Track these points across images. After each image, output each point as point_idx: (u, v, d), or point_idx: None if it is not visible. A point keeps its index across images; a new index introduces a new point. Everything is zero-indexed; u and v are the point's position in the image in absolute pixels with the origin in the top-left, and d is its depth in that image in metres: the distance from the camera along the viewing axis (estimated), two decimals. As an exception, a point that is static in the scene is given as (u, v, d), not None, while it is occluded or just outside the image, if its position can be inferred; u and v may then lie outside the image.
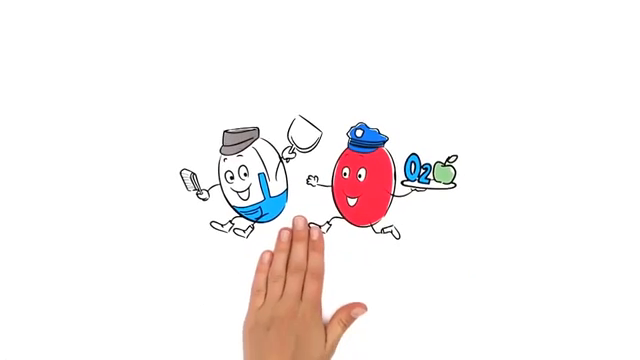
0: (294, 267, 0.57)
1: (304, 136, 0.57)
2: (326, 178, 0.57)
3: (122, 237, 0.58)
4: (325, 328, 0.56)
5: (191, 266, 0.58)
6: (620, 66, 0.55)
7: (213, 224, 0.58)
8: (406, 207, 0.57)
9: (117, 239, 0.58)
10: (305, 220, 0.57)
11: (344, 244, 0.58)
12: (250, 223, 0.58)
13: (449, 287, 0.57)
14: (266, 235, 0.58)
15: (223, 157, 0.57)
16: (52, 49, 0.58)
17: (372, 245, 0.57)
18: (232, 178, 0.57)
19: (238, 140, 0.57)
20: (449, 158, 0.56)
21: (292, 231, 0.58)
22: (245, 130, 0.57)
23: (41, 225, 0.59)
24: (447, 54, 0.56)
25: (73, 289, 0.59)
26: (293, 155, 0.57)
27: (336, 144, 0.57)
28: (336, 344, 0.56)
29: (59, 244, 0.59)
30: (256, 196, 0.58)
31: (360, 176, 0.57)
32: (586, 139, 0.55)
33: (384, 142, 0.57)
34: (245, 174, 0.57)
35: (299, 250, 0.57)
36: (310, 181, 0.58)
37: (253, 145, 0.57)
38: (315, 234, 0.57)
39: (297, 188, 0.58)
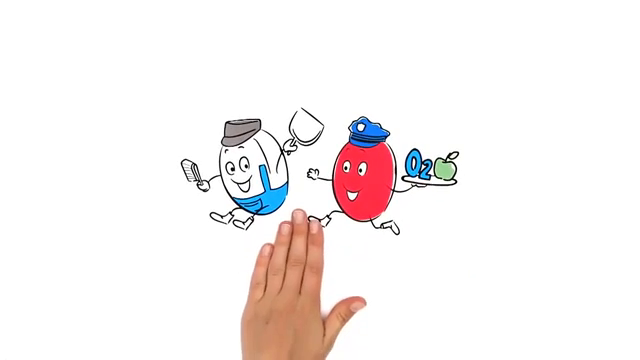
0: (294, 260, 0.57)
1: (306, 129, 0.57)
2: (327, 172, 0.57)
3: (122, 227, 0.58)
4: (324, 322, 0.56)
5: (190, 257, 0.58)
6: (620, 62, 0.55)
7: (213, 215, 0.58)
8: (406, 203, 0.57)
9: (117, 229, 0.58)
10: (304, 214, 0.57)
11: (343, 238, 0.58)
12: (250, 215, 0.58)
13: (448, 283, 0.57)
14: (265, 227, 0.58)
15: (224, 148, 0.57)
16: (53, 42, 0.58)
17: (371, 240, 0.57)
18: (233, 169, 0.57)
19: (240, 132, 0.57)
20: (450, 154, 0.56)
21: (293, 224, 0.58)
22: (247, 122, 0.57)
23: (40, 217, 0.58)
24: (450, 51, 0.56)
25: (72, 279, 0.59)
26: (294, 148, 0.57)
27: (337, 138, 0.57)
28: (334, 338, 0.56)
29: (58, 235, 0.58)
30: (256, 188, 0.58)
31: (361, 170, 0.57)
32: (587, 137, 0.55)
33: (385, 137, 0.57)
34: (246, 166, 0.57)
35: (299, 244, 0.57)
36: (311, 174, 0.58)
37: (255, 137, 0.57)
38: (314, 228, 0.57)
39: (298, 181, 0.58)
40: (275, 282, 0.56)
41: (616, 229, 0.56)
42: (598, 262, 0.56)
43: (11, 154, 0.58)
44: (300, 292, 0.56)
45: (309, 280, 0.56)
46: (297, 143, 0.57)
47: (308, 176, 0.58)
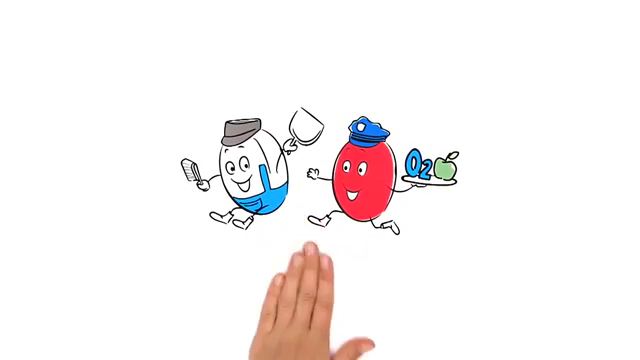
0: (305, 294, 0.56)
1: (306, 129, 0.57)
2: (327, 171, 0.57)
3: (122, 226, 0.58)
4: (331, 359, 0.56)
5: (190, 257, 0.58)
6: (620, 62, 0.55)
7: (213, 215, 0.58)
8: (406, 202, 0.57)
9: (117, 228, 0.58)
10: (316, 247, 0.57)
11: (343, 238, 0.58)
12: (250, 215, 0.58)
13: (448, 283, 0.57)
14: (265, 227, 0.58)
15: (224, 148, 0.57)
16: (53, 42, 0.58)
17: (371, 240, 0.57)
18: (233, 169, 0.57)
19: (240, 131, 0.57)
20: (450, 154, 0.56)
21: (304, 257, 0.57)
22: (247, 121, 0.57)
23: (40, 217, 0.59)
24: (450, 51, 0.56)
25: (72, 279, 0.59)
26: (294, 147, 0.57)
27: (337, 138, 0.57)
28: None
29: (58, 235, 0.59)
30: (256, 188, 0.58)
31: (361, 170, 0.57)
32: (587, 137, 0.55)
33: (385, 137, 0.57)
34: (246, 165, 0.57)
35: (310, 278, 0.57)
36: (311, 174, 0.58)
37: (255, 137, 0.57)
38: (325, 263, 0.57)
39: (297, 181, 0.58)
40: (285, 314, 0.56)
41: (616, 229, 0.56)
42: (598, 262, 0.56)
43: (11, 154, 0.59)
44: (310, 327, 0.56)
45: (319, 315, 0.56)
46: (297, 143, 0.57)
47: (308, 176, 0.58)
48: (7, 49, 0.58)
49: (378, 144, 0.57)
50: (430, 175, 0.56)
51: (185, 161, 0.57)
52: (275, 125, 0.57)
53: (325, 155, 0.57)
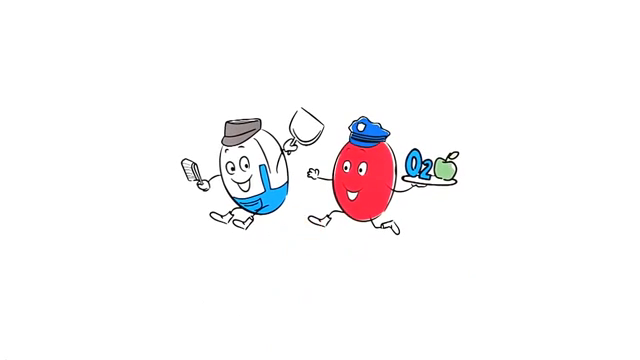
0: None
1: (306, 129, 0.57)
2: (327, 171, 0.57)
3: (121, 226, 0.58)
4: None
5: (189, 257, 0.58)
6: (620, 62, 0.55)
7: (213, 215, 0.58)
8: (406, 203, 0.57)
9: (116, 228, 0.58)
10: None
11: (343, 238, 0.58)
12: (250, 215, 0.58)
13: (448, 284, 0.57)
14: (265, 227, 0.58)
15: (224, 148, 0.57)
16: (53, 42, 0.58)
17: (371, 240, 0.57)
18: (233, 169, 0.57)
19: (240, 131, 0.57)
20: (450, 154, 0.56)
21: None
22: (247, 121, 0.57)
23: (40, 217, 0.59)
24: (450, 51, 0.56)
25: (72, 278, 0.59)
26: (294, 147, 0.57)
27: (337, 138, 0.57)
28: None
29: (58, 235, 0.58)
30: (256, 188, 0.58)
31: (361, 170, 0.57)
32: (587, 138, 0.55)
33: (386, 137, 0.57)
34: (246, 165, 0.57)
35: None
36: (311, 174, 0.58)
37: (255, 137, 0.57)
38: None
39: (298, 181, 0.58)
40: None
41: (616, 229, 0.56)
42: (598, 262, 0.56)
43: (11, 154, 0.58)
44: None
45: None
46: (297, 143, 0.57)
47: (308, 176, 0.58)
48: (7, 49, 0.58)
49: (378, 144, 0.57)
50: (430, 175, 0.56)
51: (185, 161, 0.57)
52: (275, 125, 0.57)
53: (325, 155, 0.57)
